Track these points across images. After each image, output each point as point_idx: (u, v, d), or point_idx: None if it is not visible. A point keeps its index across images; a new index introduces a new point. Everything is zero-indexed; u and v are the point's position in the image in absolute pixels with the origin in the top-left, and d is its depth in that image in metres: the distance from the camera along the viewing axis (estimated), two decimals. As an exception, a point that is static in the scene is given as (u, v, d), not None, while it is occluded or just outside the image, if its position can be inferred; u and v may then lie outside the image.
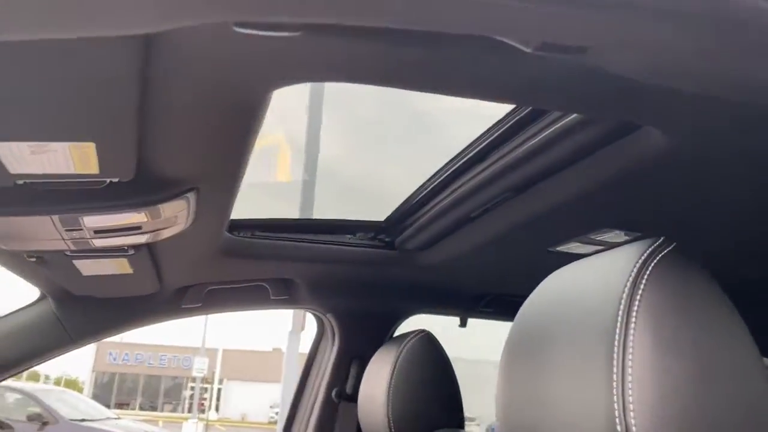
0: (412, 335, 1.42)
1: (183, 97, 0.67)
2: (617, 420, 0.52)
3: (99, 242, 1.05)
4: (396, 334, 1.81)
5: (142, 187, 0.88)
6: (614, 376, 0.53)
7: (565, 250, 1.27)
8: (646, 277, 0.56)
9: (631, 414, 0.52)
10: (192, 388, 23.92)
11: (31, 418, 8.38)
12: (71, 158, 0.71)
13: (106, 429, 8.96)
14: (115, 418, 10.23)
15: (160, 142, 0.77)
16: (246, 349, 27.17)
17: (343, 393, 1.75)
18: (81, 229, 0.97)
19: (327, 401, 1.77)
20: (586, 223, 1.13)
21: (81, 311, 1.56)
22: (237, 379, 26.40)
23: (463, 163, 1.16)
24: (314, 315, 1.86)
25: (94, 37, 0.47)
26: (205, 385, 23.67)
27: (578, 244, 1.22)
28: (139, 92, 0.60)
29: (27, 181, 0.78)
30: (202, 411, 21.42)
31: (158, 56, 0.55)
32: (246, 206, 1.70)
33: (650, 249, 0.58)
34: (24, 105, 0.61)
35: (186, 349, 26.17)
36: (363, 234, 1.59)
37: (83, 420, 8.86)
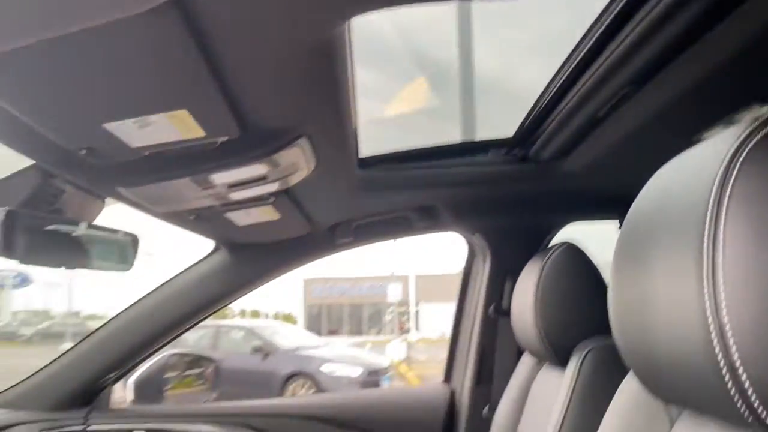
0: (554, 248, 1.39)
1: (245, 47, 0.69)
2: (710, 320, 0.48)
3: (236, 195, 1.15)
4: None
5: (253, 141, 0.94)
6: (705, 273, 0.49)
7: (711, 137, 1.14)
8: (740, 160, 0.49)
9: (724, 313, 0.47)
10: (391, 313, 25.50)
11: (255, 350, 9.56)
12: (173, 126, 0.78)
13: (318, 355, 9.92)
14: (324, 345, 11.27)
15: (251, 97, 0.82)
16: (436, 273, 28.15)
17: (499, 309, 1.77)
18: (215, 186, 1.07)
19: (485, 318, 1.81)
20: (726, 105, 1.01)
21: (249, 257, 1.73)
22: (431, 301, 27.59)
23: (580, 60, 1.08)
24: (463, 236, 1.88)
25: (138, 13, 0.51)
26: (402, 309, 25.05)
27: (722, 127, 1.09)
28: (200, 53, 0.64)
29: (152, 151, 0.88)
30: (403, 332, 22.76)
31: (198, 13, 0.58)
32: (386, 138, 1.73)
33: (749, 129, 0.51)
34: (113, 86, 0.69)
35: (381, 278, 27.78)
36: (496, 151, 1.56)
37: (298, 348, 9.89)
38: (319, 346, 11.00)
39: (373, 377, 9.45)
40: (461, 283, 1.96)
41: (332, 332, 29.31)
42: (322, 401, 2.01)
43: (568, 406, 1.16)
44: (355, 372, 9.34)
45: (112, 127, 0.76)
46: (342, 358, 10.03)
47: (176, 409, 1.81)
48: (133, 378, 1.84)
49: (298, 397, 1.88)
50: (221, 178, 1.02)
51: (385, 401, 2.01)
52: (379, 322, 30.45)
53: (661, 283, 0.55)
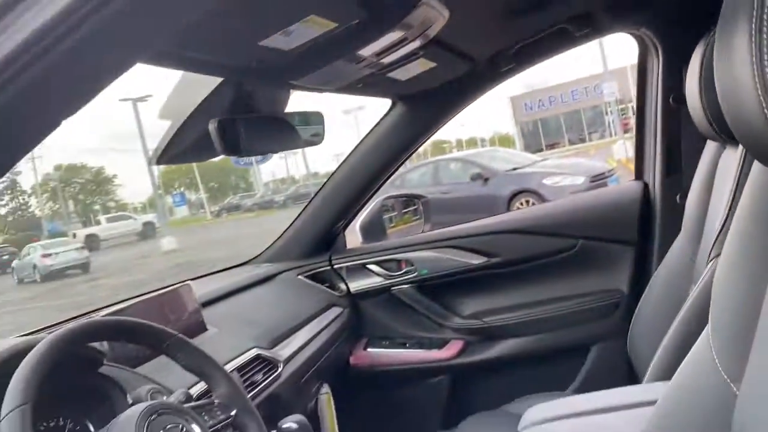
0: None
1: None
2: (762, 106, 0.53)
3: (387, 59, 1.31)
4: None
5: (380, 15, 1.07)
6: (753, 58, 0.53)
7: None
8: None
9: None
10: (611, 113, 24.18)
11: (473, 178, 10.00)
12: (310, 28, 0.95)
13: (537, 170, 10.08)
14: (541, 161, 11.34)
15: None
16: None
17: (678, 98, 1.74)
18: (365, 59, 1.23)
19: (666, 109, 1.79)
20: None
21: (424, 103, 1.90)
22: (653, 91, 25.49)
23: None
24: (629, 34, 1.83)
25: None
26: (623, 106, 23.60)
27: None
28: None
29: (303, 49, 1.06)
30: (628, 129, 21.62)
31: None
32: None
33: None
34: (256, 13, 0.87)
35: (593, 77, 26.16)
36: None
37: (515, 169, 10.13)
38: (537, 161, 11.11)
39: (598, 181, 9.39)
40: (638, 79, 1.94)
41: (552, 145, 28.91)
42: (521, 215, 2.19)
43: (737, 184, 1.20)
44: (578, 180, 9.36)
45: (265, 42, 0.96)
46: (563, 169, 10.07)
47: (397, 242, 2.15)
48: (358, 223, 2.20)
49: (498, 215, 2.09)
50: (367, 51, 1.18)
51: (584, 205, 2.13)
52: (600, 124, 29.15)
53: (738, 60, 0.58)
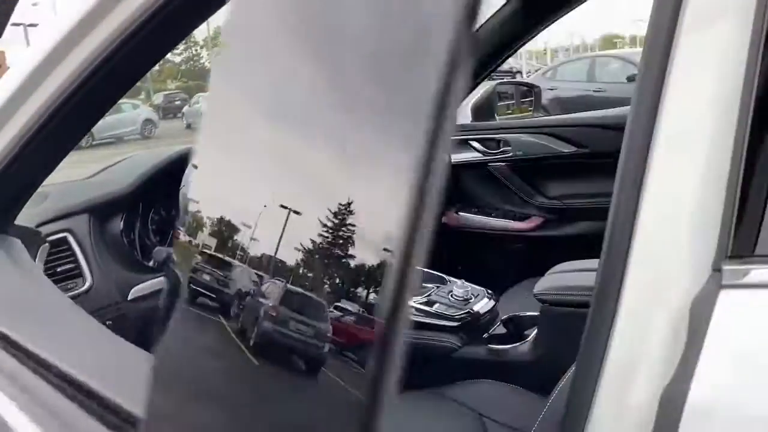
0: None
1: None
2: None
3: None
4: None
5: None
6: None
7: None
8: None
9: None
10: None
11: (630, 79, 9.47)
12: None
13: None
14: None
15: None
16: None
17: None
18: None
19: None
20: None
21: None
22: None
23: None
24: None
25: None
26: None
27: None
28: None
29: None
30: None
31: None
32: None
33: None
34: None
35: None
36: None
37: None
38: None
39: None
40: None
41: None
42: (616, 112, 2.31)
43: None
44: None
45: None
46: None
47: (499, 123, 2.39)
48: (469, 104, 2.46)
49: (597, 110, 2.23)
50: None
51: None
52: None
53: None
